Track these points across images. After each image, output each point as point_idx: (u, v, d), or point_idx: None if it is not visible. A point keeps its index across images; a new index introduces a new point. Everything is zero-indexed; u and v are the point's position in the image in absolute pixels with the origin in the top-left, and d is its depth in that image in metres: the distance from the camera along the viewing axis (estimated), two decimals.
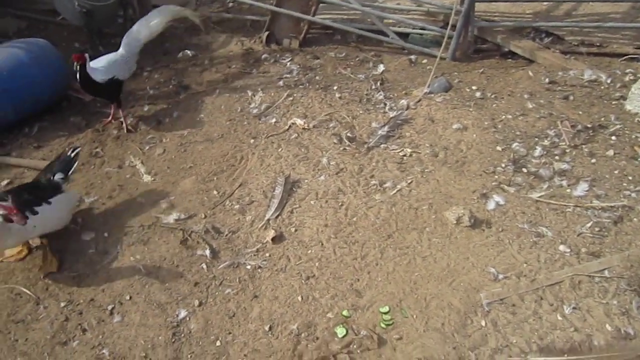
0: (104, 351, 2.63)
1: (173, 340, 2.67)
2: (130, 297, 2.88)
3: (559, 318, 2.61)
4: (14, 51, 4.01)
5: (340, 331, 2.64)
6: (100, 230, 3.28)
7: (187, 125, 4.18)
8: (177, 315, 2.78)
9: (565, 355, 2.42)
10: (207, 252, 3.10)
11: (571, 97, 4.22)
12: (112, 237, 3.23)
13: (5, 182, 3.69)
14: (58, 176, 3.15)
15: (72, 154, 3.30)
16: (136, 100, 4.51)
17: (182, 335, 2.70)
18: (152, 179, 3.68)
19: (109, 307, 2.84)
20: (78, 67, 3.65)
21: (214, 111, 4.34)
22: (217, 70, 4.97)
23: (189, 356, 2.60)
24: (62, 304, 2.85)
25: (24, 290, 2.92)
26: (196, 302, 2.85)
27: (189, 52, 5.22)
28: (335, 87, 4.60)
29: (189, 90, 4.66)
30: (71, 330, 2.74)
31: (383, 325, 2.66)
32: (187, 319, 2.77)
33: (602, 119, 3.94)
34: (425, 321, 2.67)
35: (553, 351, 2.45)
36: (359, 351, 2.55)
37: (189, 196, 3.52)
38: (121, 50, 4.07)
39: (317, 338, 2.64)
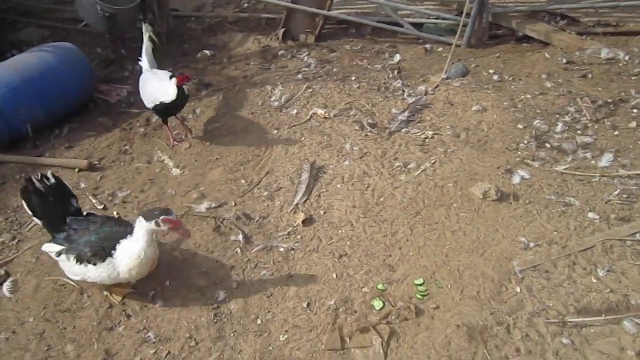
0: (149, 334, 2.70)
1: (215, 320, 2.74)
2: (170, 283, 2.96)
3: (594, 281, 2.66)
4: (43, 55, 4.14)
5: (377, 304, 2.70)
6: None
7: (210, 121, 4.28)
8: (217, 297, 2.85)
9: (603, 315, 2.46)
10: (240, 237, 3.17)
11: (589, 75, 4.25)
12: None
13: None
14: None
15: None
16: None
17: (223, 315, 2.77)
18: (181, 172, 3.77)
19: (151, 293, 2.91)
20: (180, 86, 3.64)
21: (235, 106, 4.43)
22: (236, 67, 5.07)
23: (232, 334, 2.67)
24: (105, 293, 2.93)
25: (68, 281, 3.00)
26: (234, 284, 2.92)
27: (207, 51, 5.33)
28: (353, 78, 4.68)
29: (210, 88, 4.75)
30: (116, 316, 2.81)
31: (419, 296, 2.72)
32: (227, 300, 2.84)
33: (622, 93, 3.98)
34: (460, 290, 2.72)
35: (591, 312, 2.49)
36: (397, 321, 2.61)
37: (218, 186, 3.60)
38: (148, 66, 4.01)
39: (355, 311, 2.70)
